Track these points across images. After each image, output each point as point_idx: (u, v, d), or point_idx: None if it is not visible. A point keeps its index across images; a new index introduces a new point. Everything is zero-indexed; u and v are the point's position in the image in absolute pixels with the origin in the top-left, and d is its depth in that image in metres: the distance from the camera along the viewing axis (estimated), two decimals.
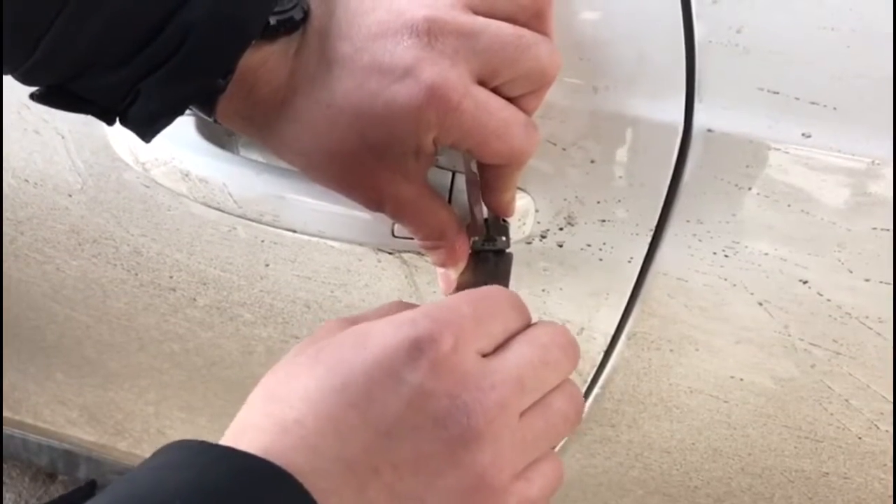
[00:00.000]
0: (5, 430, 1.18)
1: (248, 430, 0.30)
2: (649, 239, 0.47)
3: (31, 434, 1.14)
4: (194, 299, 0.66)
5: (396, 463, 0.30)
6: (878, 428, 0.53)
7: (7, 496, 1.39)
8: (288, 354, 0.35)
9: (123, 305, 0.72)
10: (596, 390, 0.58)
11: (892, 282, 0.44)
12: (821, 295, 0.46)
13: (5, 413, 1.08)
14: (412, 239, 0.45)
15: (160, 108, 0.37)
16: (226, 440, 0.31)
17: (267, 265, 0.59)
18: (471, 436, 0.30)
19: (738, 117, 0.41)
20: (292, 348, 0.35)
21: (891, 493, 0.58)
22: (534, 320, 0.37)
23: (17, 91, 0.55)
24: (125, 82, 0.36)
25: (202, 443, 0.29)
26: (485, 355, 0.33)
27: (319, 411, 0.30)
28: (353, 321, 0.35)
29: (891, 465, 0.55)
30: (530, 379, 0.33)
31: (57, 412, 1.02)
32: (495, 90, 0.38)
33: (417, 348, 0.31)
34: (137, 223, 0.61)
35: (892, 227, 0.42)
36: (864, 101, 0.40)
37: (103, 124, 0.39)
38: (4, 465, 1.42)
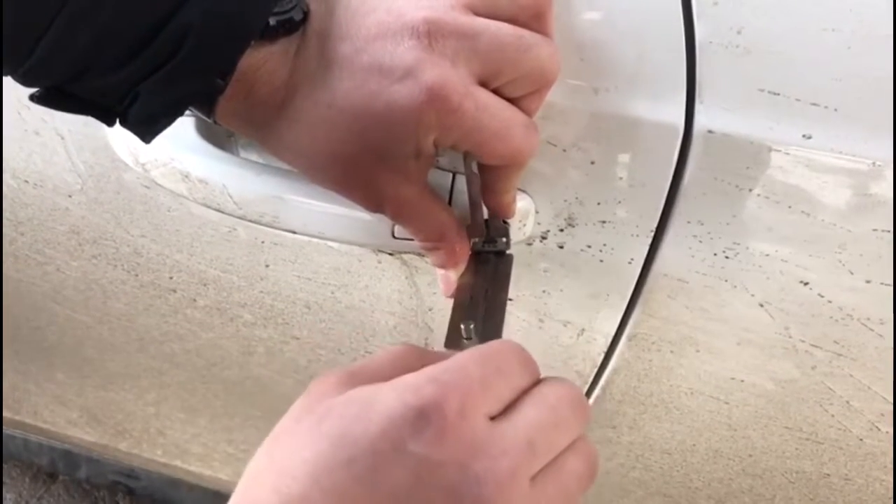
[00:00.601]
0: (6, 430, 1.18)
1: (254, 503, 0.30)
2: (650, 240, 0.47)
3: (32, 434, 1.15)
4: (194, 300, 0.66)
5: None
6: (878, 429, 0.53)
7: (7, 496, 1.39)
8: (287, 417, 0.33)
9: (124, 306, 0.72)
10: (597, 391, 0.58)
11: (892, 283, 0.44)
12: (822, 296, 0.46)
13: (6, 413, 1.08)
14: (412, 240, 0.45)
15: (160, 109, 0.37)
16: None
17: (267, 266, 0.59)
18: None
19: (738, 118, 0.41)
20: (290, 409, 0.34)
21: (891, 494, 0.58)
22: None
23: (16, 92, 0.55)
24: (125, 83, 0.36)
25: None
26: (493, 417, 0.32)
27: (325, 486, 0.29)
28: (351, 375, 0.34)
29: (891, 466, 0.55)
30: (541, 442, 0.32)
31: (57, 413, 1.02)
32: (496, 91, 0.38)
33: (423, 417, 0.30)
34: (137, 224, 0.61)
35: (892, 228, 0.42)
36: (865, 103, 0.40)
37: (103, 125, 0.39)
38: (5, 466, 1.42)
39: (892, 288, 0.44)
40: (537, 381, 0.35)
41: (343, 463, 0.29)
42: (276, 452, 0.31)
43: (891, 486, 0.57)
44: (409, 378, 0.31)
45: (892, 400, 0.50)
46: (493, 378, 0.32)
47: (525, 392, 0.34)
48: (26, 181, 0.62)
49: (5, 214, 0.67)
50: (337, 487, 0.29)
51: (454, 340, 0.40)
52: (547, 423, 0.32)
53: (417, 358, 0.35)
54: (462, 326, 0.39)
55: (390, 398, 0.30)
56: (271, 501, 0.29)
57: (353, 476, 0.29)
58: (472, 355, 0.33)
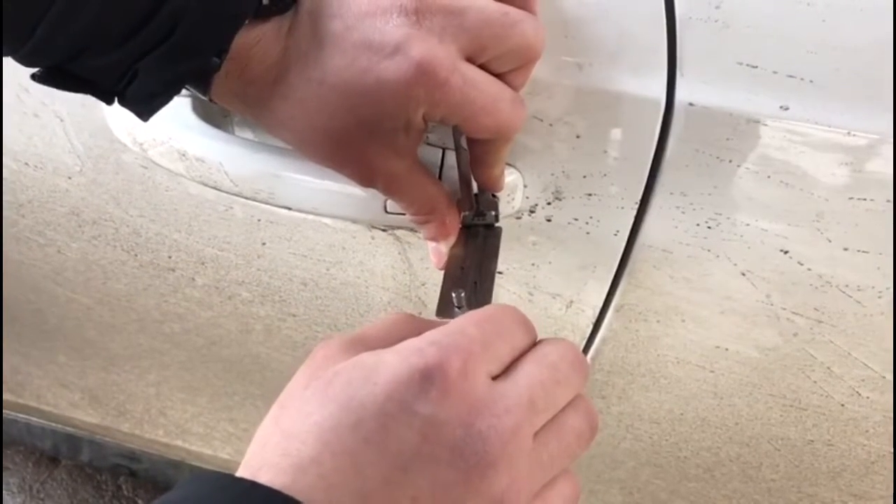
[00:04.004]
0: (8, 414, 1.19)
1: (264, 468, 0.30)
2: (635, 212, 0.48)
3: (34, 418, 1.16)
4: (193, 279, 0.68)
5: (415, 495, 0.30)
6: (859, 395, 0.54)
7: (11, 482, 1.40)
8: (292, 384, 0.34)
9: (123, 287, 0.73)
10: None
11: (869, 250, 0.45)
12: (801, 264, 0.47)
13: (8, 397, 1.09)
14: (404, 214, 0.46)
15: (157, 87, 0.38)
16: (242, 475, 0.31)
17: (263, 244, 0.60)
18: (487, 462, 0.30)
19: (718, 91, 0.42)
20: (295, 376, 0.35)
21: (874, 458, 0.60)
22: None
23: (16, 75, 0.56)
24: (123, 62, 0.37)
25: (225, 476, 0.29)
26: (494, 377, 0.33)
27: (335, 449, 0.30)
28: (353, 341, 0.35)
29: (873, 431, 0.57)
30: (541, 399, 0.33)
31: (59, 395, 1.03)
32: (483, 66, 0.39)
33: (427, 378, 0.31)
34: (136, 204, 0.62)
35: (868, 196, 0.43)
36: (840, 74, 0.41)
37: (101, 107, 0.40)
38: (8, 451, 1.43)
39: (868, 255, 0.46)
40: (536, 342, 0.36)
41: (351, 425, 0.30)
42: (284, 418, 0.32)
43: (872, 450, 0.59)
44: (412, 342, 0.32)
45: (872, 366, 0.52)
46: (492, 339, 0.33)
47: (524, 352, 0.35)
48: (26, 164, 0.63)
49: (6, 197, 0.68)
50: (346, 449, 0.30)
51: (445, 309, 0.42)
52: (547, 380, 0.33)
53: (414, 325, 0.37)
54: (453, 295, 0.41)
55: (395, 361, 0.31)
56: (281, 465, 0.30)
57: (361, 437, 0.30)
58: (470, 318, 0.34)
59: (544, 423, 0.33)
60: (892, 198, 0.43)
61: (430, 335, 0.33)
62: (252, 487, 0.29)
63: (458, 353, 0.31)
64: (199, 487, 0.29)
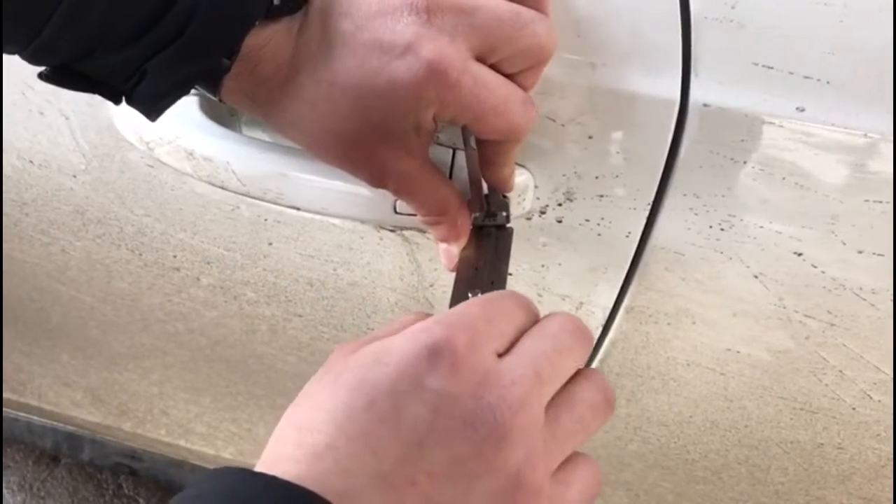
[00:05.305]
0: (9, 413, 1.19)
1: (281, 462, 0.30)
2: (647, 213, 0.48)
3: (36, 416, 1.15)
4: (198, 279, 0.67)
5: (432, 471, 0.30)
6: (871, 398, 0.54)
7: (11, 480, 1.40)
8: (307, 385, 0.34)
9: (128, 286, 0.73)
10: (595, 364, 0.59)
11: (885, 253, 0.45)
12: (815, 267, 0.47)
13: (10, 396, 1.08)
14: (414, 215, 0.46)
15: (166, 87, 0.38)
16: (259, 469, 0.31)
17: (270, 244, 0.60)
18: (499, 434, 0.30)
19: (733, 92, 0.42)
20: (311, 379, 0.35)
21: (884, 462, 0.59)
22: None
23: (21, 72, 0.56)
24: (132, 62, 0.36)
25: (243, 471, 0.29)
26: (500, 355, 0.33)
27: (350, 432, 0.30)
28: (365, 343, 0.35)
29: (885, 434, 0.56)
30: (546, 369, 0.33)
31: (61, 394, 1.03)
32: (494, 67, 0.39)
33: (436, 353, 0.31)
34: (141, 203, 0.62)
35: (884, 199, 0.43)
36: (858, 75, 0.40)
37: (107, 105, 0.39)
38: (8, 449, 1.43)
39: (884, 258, 0.45)
40: (538, 321, 0.36)
41: (364, 407, 0.30)
42: (298, 414, 0.32)
43: (882, 454, 0.58)
44: (418, 324, 0.33)
45: (884, 369, 0.52)
46: (496, 318, 0.34)
47: (526, 329, 0.35)
48: (31, 161, 0.62)
49: (10, 195, 0.67)
50: (362, 431, 0.30)
51: None
52: (550, 350, 0.34)
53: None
54: (469, 295, 0.40)
55: (403, 342, 0.32)
56: (296, 455, 0.30)
57: (375, 418, 0.30)
58: (474, 301, 0.35)
59: (553, 394, 0.34)
60: None
61: (435, 317, 0.34)
62: (271, 481, 0.29)
63: (464, 330, 0.32)
64: (216, 484, 0.29)
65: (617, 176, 0.46)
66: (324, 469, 0.29)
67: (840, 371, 0.53)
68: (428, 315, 0.37)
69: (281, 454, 0.31)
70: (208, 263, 0.65)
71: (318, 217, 0.55)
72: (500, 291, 0.37)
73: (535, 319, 0.36)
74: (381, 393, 0.31)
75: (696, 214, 0.47)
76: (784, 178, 0.44)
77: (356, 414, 0.30)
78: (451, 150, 0.47)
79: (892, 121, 0.41)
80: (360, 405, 0.30)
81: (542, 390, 0.33)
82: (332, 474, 0.29)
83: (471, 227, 0.46)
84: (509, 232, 0.47)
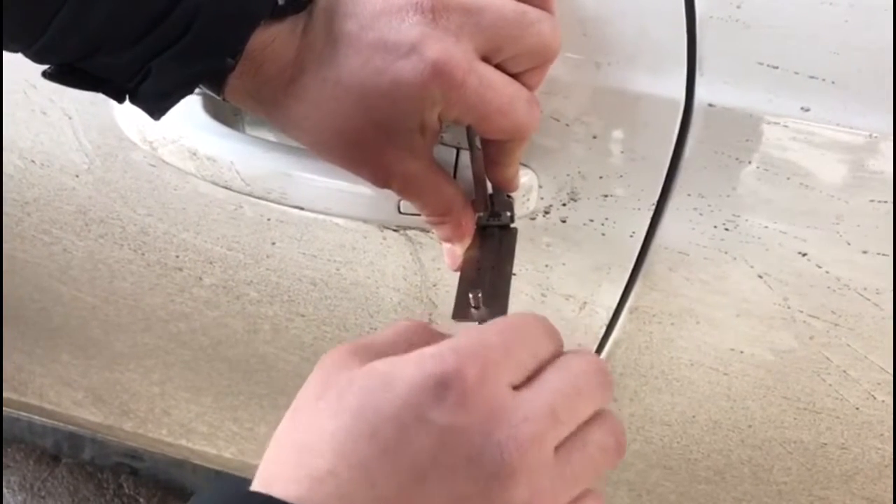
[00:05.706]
0: (10, 412, 1.19)
1: (279, 480, 0.30)
2: (651, 213, 0.48)
3: (37, 416, 1.15)
4: (200, 278, 0.67)
5: None
6: (875, 398, 0.54)
7: (12, 479, 1.40)
8: (303, 394, 0.33)
9: (130, 286, 0.73)
10: None
11: (889, 253, 0.45)
12: (819, 267, 0.47)
13: (11, 395, 1.08)
14: (418, 215, 0.46)
15: (170, 86, 0.38)
16: (256, 488, 0.30)
17: (273, 243, 0.60)
18: (506, 473, 0.29)
19: (738, 92, 0.42)
20: (305, 385, 0.33)
21: (887, 462, 0.59)
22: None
23: (23, 71, 0.56)
24: (136, 61, 0.36)
25: (239, 489, 0.29)
26: (516, 387, 0.32)
27: (351, 460, 0.29)
28: (362, 348, 0.34)
29: (888, 434, 0.56)
30: (563, 410, 0.31)
31: (62, 393, 1.02)
32: (498, 66, 0.39)
33: (443, 385, 0.29)
34: (144, 203, 0.62)
35: (889, 199, 0.43)
36: (863, 75, 0.40)
37: (110, 104, 0.39)
38: (9, 448, 1.43)
39: (889, 258, 0.45)
40: (561, 353, 0.34)
41: (367, 435, 0.29)
42: (297, 430, 0.31)
43: (886, 454, 0.58)
44: (429, 349, 0.31)
45: (888, 369, 0.51)
46: (514, 347, 0.32)
47: (548, 362, 0.33)
48: (33, 161, 0.62)
49: (12, 195, 0.67)
50: (363, 461, 0.29)
51: (462, 310, 0.41)
52: (570, 390, 0.32)
53: (423, 334, 0.36)
54: (470, 295, 0.40)
55: (411, 368, 0.30)
56: (298, 477, 0.29)
57: (377, 448, 0.29)
58: (493, 326, 0.33)
59: (566, 435, 0.32)
60: None
61: (449, 342, 0.32)
62: (270, 501, 0.28)
63: (476, 360, 0.30)
64: (214, 502, 0.29)
65: (621, 176, 0.46)
66: (324, 494, 0.28)
67: (844, 371, 0.53)
68: (425, 325, 0.36)
69: (280, 474, 0.30)
70: (211, 263, 0.65)
71: (321, 217, 0.55)
72: (524, 316, 0.34)
73: (558, 348, 0.35)
74: (385, 422, 0.29)
75: (700, 214, 0.47)
76: (789, 178, 0.44)
77: (358, 442, 0.29)
78: (455, 150, 0.47)
79: None
80: (362, 433, 0.29)
81: (555, 430, 0.31)
82: (333, 498, 0.28)
83: (475, 227, 0.46)
84: (513, 232, 0.47)
